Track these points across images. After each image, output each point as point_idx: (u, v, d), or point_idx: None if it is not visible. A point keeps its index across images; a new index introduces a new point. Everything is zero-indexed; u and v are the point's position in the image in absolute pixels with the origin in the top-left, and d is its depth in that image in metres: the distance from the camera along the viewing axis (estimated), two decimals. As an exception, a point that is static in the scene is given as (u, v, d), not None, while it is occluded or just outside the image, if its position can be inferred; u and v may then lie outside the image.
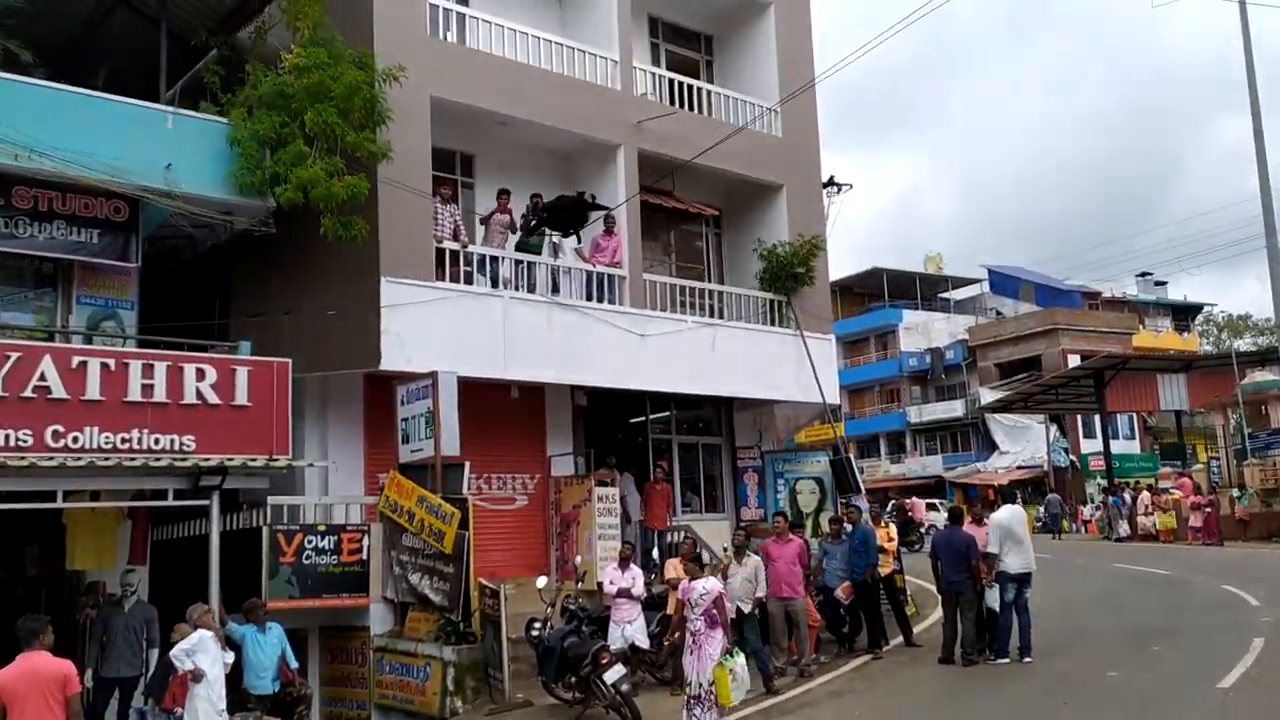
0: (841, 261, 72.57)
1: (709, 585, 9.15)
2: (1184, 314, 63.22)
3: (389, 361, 11.92)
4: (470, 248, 13.22)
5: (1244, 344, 58.63)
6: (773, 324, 16.33)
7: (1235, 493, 27.93)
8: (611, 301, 14.35)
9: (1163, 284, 61.81)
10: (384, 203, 12.00)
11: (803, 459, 16.84)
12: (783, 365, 16.07)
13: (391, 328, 11.89)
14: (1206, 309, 66.15)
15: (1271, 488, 27.48)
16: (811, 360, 16.12)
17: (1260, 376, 31.25)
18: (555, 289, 13.89)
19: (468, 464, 11.79)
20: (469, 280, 13.05)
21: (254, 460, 10.64)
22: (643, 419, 16.40)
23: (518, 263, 13.64)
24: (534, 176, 14.85)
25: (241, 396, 10.77)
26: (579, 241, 14.56)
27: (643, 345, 14.31)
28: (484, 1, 14.59)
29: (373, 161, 11.70)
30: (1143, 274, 61.34)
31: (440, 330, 12.28)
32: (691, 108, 16.07)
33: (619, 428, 16.33)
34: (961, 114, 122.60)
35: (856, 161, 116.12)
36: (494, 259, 13.48)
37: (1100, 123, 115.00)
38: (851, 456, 18.57)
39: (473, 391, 12.27)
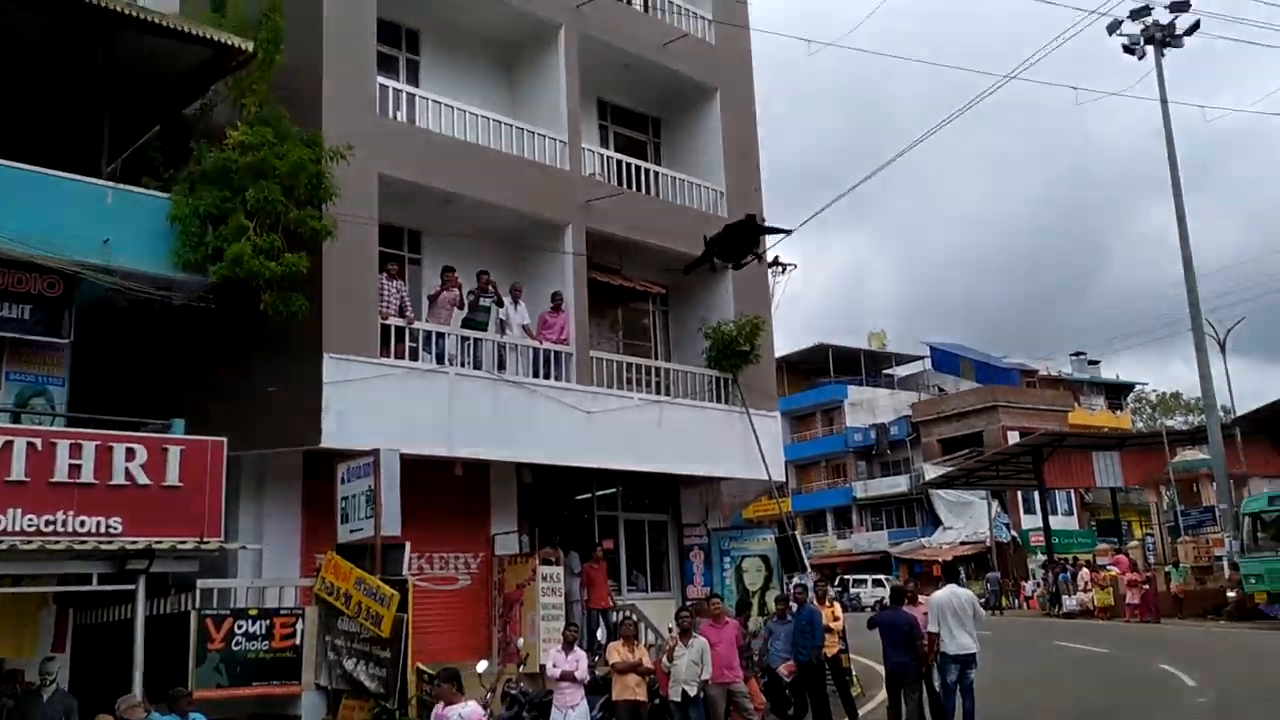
0: (788, 338, 73.74)
1: (467, 711, 7.98)
2: (1116, 392, 65.04)
3: (330, 439, 11.73)
4: (416, 324, 13.17)
5: (1175, 422, 60.39)
6: (719, 401, 16.42)
7: (1169, 569, 28.42)
8: (558, 378, 14.34)
9: (1096, 363, 63.71)
10: (328, 279, 11.94)
11: (749, 536, 16.80)
12: (729, 442, 16.13)
13: (333, 405, 11.74)
14: (1138, 388, 68.24)
15: (1204, 565, 28.02)
16: (757, 437, 16.20)
17: (1190, 455, 32.10)
18: (501, 365, 13.86)
19: (408, 544, 11.53)
20: (414, 356, 12.97)
21: (184, 543, 10.29)
22: (589, 496, 16.29)
23: (463, 339, 13.60)
24: (482, 253, 14.89)
25: (173, 476, 10.44)
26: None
27: (589, 422, 14.28)
28: (434, 83, 14.81)
29: (317, 240, 11.66)
30: (1077, 353, 63.19)
31: (384, 407, 12.14)
32: (639, 188, 16.35)
33: (565, 505, 16.17)
34: (904, 196, 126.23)
35: (802, 240, 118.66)
36: (439, 335, 13.43)
37: (1035, 209, 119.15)
38: (798, 534, 18.57)
39: (416, 468, 12.08)
